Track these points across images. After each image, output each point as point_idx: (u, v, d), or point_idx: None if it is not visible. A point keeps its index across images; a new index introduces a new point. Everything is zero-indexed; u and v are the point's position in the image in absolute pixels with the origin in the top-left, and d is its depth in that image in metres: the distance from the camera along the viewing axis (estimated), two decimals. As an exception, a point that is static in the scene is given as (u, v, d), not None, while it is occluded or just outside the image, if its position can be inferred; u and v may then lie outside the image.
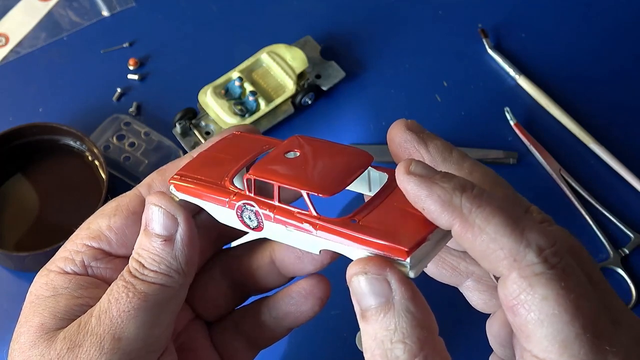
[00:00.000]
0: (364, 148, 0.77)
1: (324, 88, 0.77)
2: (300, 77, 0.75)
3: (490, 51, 0.80)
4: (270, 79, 0.76)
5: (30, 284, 0.42)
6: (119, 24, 0.83)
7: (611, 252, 0.69)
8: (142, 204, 0.42)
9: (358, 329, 0.68)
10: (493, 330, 0.40)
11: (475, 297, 0.42)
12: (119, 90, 0.78)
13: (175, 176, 0.41)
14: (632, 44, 0.82)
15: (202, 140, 0.74)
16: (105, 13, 0.83)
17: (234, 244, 0.47)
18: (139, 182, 0.73)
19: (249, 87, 0.74)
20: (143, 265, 0.39)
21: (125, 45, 0.81)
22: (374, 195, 0.39)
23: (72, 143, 0.73)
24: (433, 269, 0.43)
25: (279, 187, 0.38)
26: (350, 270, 0.35)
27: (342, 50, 0.80)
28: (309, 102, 0.76)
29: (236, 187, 0.40)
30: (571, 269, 0.34)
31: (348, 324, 0.67)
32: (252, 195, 0.39)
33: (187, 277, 0.40)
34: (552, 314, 0.32)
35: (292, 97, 0.75)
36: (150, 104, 0.78)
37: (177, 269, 0.39)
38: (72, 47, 0.81)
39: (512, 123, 0.75)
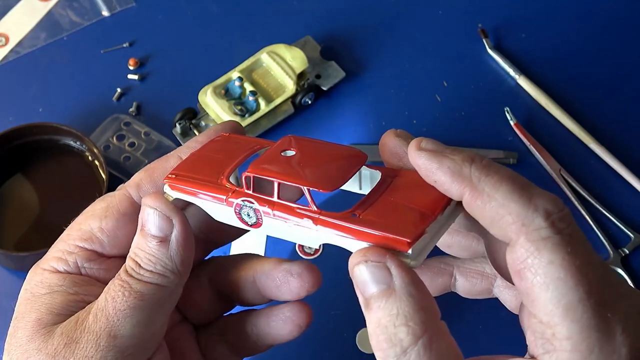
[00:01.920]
0: (364, 148, 0.77)
1: (324, 88, 0.77)
2: (300, 77, 0.75)
3: (490, 51, 0.80)
4: (270, 79, 0.76)
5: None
6: (119, 24, 0.83)
7: (611, 252, 0.69)
8: (132, 205, 0.42)
9: (358, 329, 0.69)
10: (525, 322, 0.39)
11: (509, 296, 0.43)
12: (119, 90, 0.78)
13: (170, 175, 0.42)
14: (633, 44, 0.82)
15: (202, 140, 0.74)
16: (105, 13, 0.83)
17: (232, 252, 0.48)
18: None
19: (249, 87, 0.74)
20: (139, 265, 0.40)
21: (125, 45, 0.81)
22: (370, 191, 0.39)
23: (72, 143, 0.73)
24: (465, 284, 0.45)
25: (279, 183, 0.39)
26: (352, 260, 0.36)
27: (342, 50, 0.80)
28: (309, 102, 0.76)
29: (233, 184, 0.41)
30: (578, 235, 0.35)
31: (348, 324, 0.67)
32: (250, 192, 0.40)
33: (182, 277, 0.41)
34: (557, 278, 0.33)
35: (292, 97, 0.75)
36: (150, 104, 0.78)
37: (173, 269, 0.40)
38: (72, 47, 0.81)
39: (512, 123, 0.75)
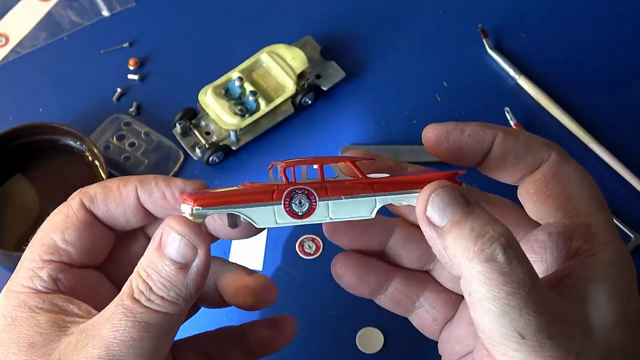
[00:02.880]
0: (364, 148, 0.77)
1: (324, 88, 0.77)
2: (300, 77, 0.75)
3: (490, 51, 0.80)
4: (270, 79, 0.76)
5: None
6: (119, 24, 0.83)
7: (611, 252, 0.69)
8: (89, 213, 0.41)
9: (358, 329, 0.69)
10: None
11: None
12: (119, 90, 0.78)
13: (189, 196, 0.39)
14: (633, 44, 0.82)
15: (202, 140, 0.74)
16: (105, 13, 0.83)
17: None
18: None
19: (249, 87, 0.74)
20: (150, 288, 0.37)
21: (125, 45, 0.81)
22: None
23: (72, 143, 0.73)
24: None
25: (322, 165, 0.39)
26: (423, 196, 0.37)
27: (342, 50, 0.80)
28: (309, 102, 0.76)
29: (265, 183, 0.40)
30: None
31: (348, 324, 0.67)
32: (294, 181, 0.39)
33: (192, 302, 0.39)
34: None
35: (292, 97, 0.75)
36: (150, 104, 0.78)
37: (186, 297, 0.38)
38: (72, 47, 0.81)
39: (512, 123, 0.75)
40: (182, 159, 0.74)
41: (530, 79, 0.78)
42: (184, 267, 0.37)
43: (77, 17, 0.83)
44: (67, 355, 0.37)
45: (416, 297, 0.44)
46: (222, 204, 0.39)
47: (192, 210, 0.38)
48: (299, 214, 0.39)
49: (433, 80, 0.79)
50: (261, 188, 0.39)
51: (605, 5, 0.84)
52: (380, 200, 0.39)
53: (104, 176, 0.70)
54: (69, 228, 0.41)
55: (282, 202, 0.39)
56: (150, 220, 0.43)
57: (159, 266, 0.38)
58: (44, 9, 0.83)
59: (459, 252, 0.35)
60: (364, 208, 0.39)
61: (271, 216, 0.39)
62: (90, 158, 0.72)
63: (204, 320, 0.48)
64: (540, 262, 0.39)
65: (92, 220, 0.41)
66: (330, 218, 0.39)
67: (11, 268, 0.68)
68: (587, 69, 0.80)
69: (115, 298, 0.38)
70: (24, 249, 0.64)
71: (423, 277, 0.45)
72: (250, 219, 0.39)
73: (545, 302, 0.34)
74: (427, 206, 0.36)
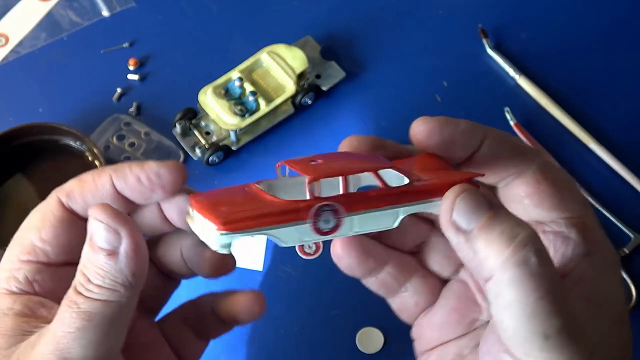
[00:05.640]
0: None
1: (324, 88, 0.77)
2: (300, 77, 0.75)
3: (490, 51, 0.80)
4: (270, 79, 0.76)
5: None
6: (119, 24, 0.83)
7: (611, 252, 0.69)
8: (65, 210, 0.41)
9: (358, 329, 0.69)
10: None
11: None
12: (119, 90, 0.78)
13: (218, 219, 0.37)
14: (632, 44, 0.82)
15: (202, 140, 0.74)
16: (105, 13, 0.83)
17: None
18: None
19: (249, 87, 0.74)
20: (88, 279, 0.38)
21: (125, 45, 0.81)
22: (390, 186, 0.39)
23: (72, 143, 0.73)
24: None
25: (346, 177, 0.38)
26: (448, 202, 0.37)
27: (342, 50, 0.80)
28: (309, 102, 0.76)
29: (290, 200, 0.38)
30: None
31: (348, 324, 0.67)
32: (321, 197, 0.38)
33: (135, 288, 0.39)
34: None
35: (292, 97, 0.75)
36: (150, 104, 0.78)
37: (124, 282, 0.38)
38: (72, 47, 0.81)
39: (512, 123, 0.75)
40: (182, 159, 0.74)
41: (530, 79, 0.78)
42: (112, 252, 0.38)
43: (77, 17, 0.83)
44: (26, 355, 0.38)
45: (404, 281, 0.44)
46: (252, 227, 0.37)
47: (217, 236, 0.36)
48: (325, 230, 0.38)
49: (433, 80, 0.79)
50: (285, 205, 0.37)
51: (605, 5, 0.84)
52: (404, 211, 0.38)
53: (104, 176, 0.70)
54: (45, 226, 0.41)
55: (311, 220, 0.38)
56: (132, 208, 0.42)
57: (91, 257, 0.38)
58: (44, 9, 0.84)
59: (492, 256, 0.35)
60: (387, 219, 0.39)
61: (297, 234, 0.38)
62: (90, 158, 0.72)
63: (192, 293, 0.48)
64: None
65: (70, 217, 0.41)
66: (356, 232, 0.39)
67: (11, 268, 0.69)
68: (587, 69, 0.80)
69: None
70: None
71: (412, 261, 0.45)
72: (278, 239, 0.38)
73: (567, 303, 0.35)
74: (453, 212, 0.36)
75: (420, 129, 0.41)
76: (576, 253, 0.38)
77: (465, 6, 0.84)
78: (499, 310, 0.35)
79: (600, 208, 0.71)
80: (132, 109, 0.77)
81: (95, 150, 0.71)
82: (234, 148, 0.74)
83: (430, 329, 0.44)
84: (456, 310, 0.44)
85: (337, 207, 0.38)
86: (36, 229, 0.41)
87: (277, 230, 0.37)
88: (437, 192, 0.38)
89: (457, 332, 0.44)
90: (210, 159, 0.73)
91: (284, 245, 0.38)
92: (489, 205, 0.36)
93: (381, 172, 0.39)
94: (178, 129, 0.74)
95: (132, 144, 0.75)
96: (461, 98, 0.78)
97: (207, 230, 0.37)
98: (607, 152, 0.74)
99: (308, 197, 0.37)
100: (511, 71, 0.79)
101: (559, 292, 0.35)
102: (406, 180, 0.39)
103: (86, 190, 0.41)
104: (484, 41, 0.80)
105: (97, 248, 0.38)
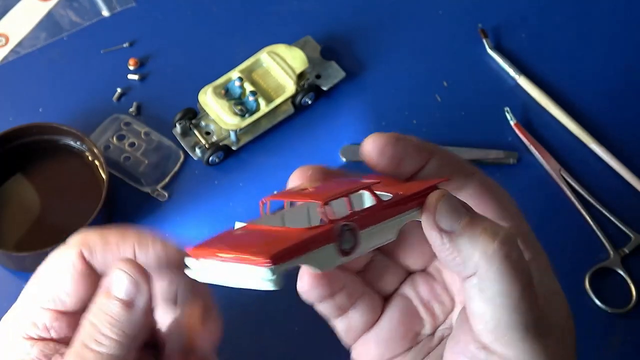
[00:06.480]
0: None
1: (324, 88, 0.77)
2: (300, 77, 0.75)
3: (490, 51, 0.80)
4: (270, 79, 0.76)
5: None
6: (119, 24, 0.83)
7: (611, 252, 0.69)
8: (87, 264, 0.43)
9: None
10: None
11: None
12: (119, 90, 0.78)
13: (261, 255, 0.36)
14: (633, 44, 0.81)
15: (202, 140, 0.74)
16: (105, 13, 0.83)
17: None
18: (139, 183, 0.73)
19: (249, 87, 0.74)
20: (97, 329, 0.40)
21: (125, 45, 0.81)
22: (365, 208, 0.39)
23: (72, 143, 0.73)
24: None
25: (349, 195, 0.38)
26: (431, 207, 0.38)
27: (342, 50, 0.80)
28: (309, 102, 0.76)
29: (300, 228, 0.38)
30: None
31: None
32: (337, 217, 0.37)
33: (137, 341, 0.41)
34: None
35: (292, 97, 0.75)
36: (150, 104, 0.78)
37: (130, 334, 0.41)
38: (72, 47, 0.81)
39: (512, 123, 0.75)
40: (182, 159, 0.74)
41: (530, 79, 0.78)
42: (129, 304, 0.40)
43: (77, 17, 0.83)
44: None
45: (354, 300, 0.45)
46: (295, 256, 0.36)
47: (265, 272, 0.35)
48: (346, 248, 0.38)
49: (433, 80, 0.79)
50: (307, 232, 0.37)
51: (606, 5, 0.84)
52: (401, 222, 0.39)
53: (103, 176, 0.70)
54: (67, 278, 0.43)
55: (336, 242, 0.37)
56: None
57: (105, 305, 0.41)
58: (44, 9, 0.83)
59: (478, 251, 0.37)
60: (390, 231, 0.39)
61: (330, 257, 0.37)
62: (90, 158, 0.72)
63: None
64: None
65: (88, 271, 0.43)
66: (368, 248, 0.39)
67: (11, 268, 0.68)
68: (587, 69, 0.80)
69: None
70: (24, 249, 0.65)
71: (359, 280, 0.45)
72: (317, 264, 0.37)
73: (538, 297, 0.38)
74: (436, 214, 0.38)
75: (373, 145, 0.42)
76: None
77: (465, 6, 0.84)
78: (482, 303, 0.37)
79: (600, 208, 0.71)
80: (132, 109, 0.77)
81: (95, 150, 0.71)
82: (234, 148, 0.74)
83: (376, 345, 0.45)
84: (402, 324, 0.45)
85: (353, 226, 0.38)
86: (59, 280, 0.43)
87: (314, 256, 0.37)
88: (420, 199, 0.39)
89: (403, 346, 0.45)
90: (210, 159, 0.73)
91: (321, 271, 0.39)
92: (465, 206, 0.38)
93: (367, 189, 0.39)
94: (178, 129, 0.74)
95: (132, 144, 0.75)
96: (461, 98, 0.78)
97: (246, 271, 0.35)
98: (607, 152, 0.74)
99: (320, 222, 0.37)
100: (511, 71, 0.79)
101: (533, 287, 0.38)
102: (389, 195, 0.40)
103: (108, 252, 0.43)
104: (484, 41, 0.80)
105: (114, 297, 0.40)
